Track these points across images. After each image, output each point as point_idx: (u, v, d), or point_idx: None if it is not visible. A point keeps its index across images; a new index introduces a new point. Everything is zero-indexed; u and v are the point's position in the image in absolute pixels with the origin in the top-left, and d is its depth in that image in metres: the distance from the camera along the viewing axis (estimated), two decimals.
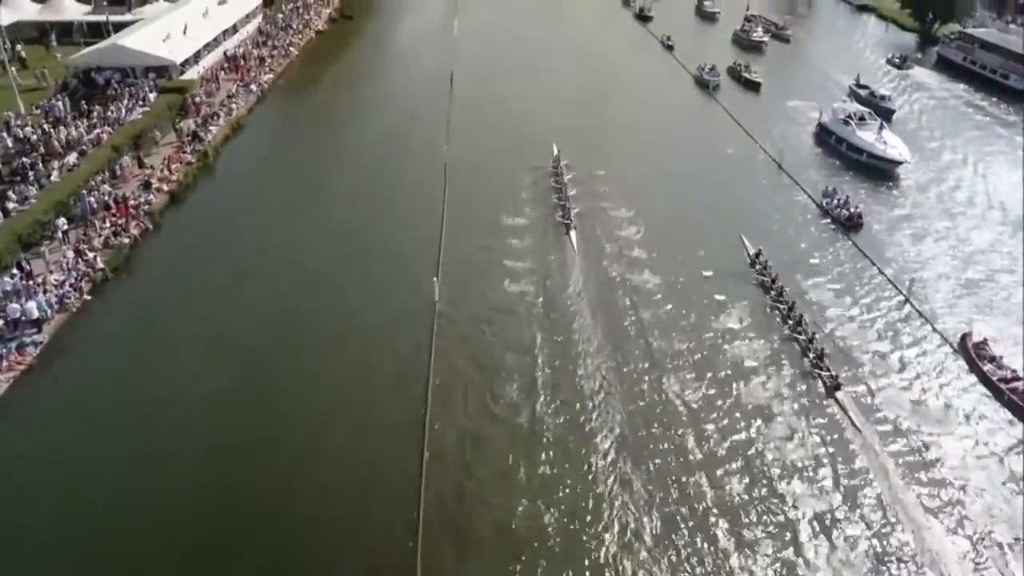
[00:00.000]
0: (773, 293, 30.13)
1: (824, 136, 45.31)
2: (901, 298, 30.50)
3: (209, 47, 54.92)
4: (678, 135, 47.77)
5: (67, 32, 60.85)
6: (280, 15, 69.45)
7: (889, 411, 24.35)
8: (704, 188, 40.04)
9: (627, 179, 40.31)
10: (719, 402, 24.50)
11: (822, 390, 25.15)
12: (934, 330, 28.67)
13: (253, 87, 51.79)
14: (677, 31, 69.24)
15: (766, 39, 65.29)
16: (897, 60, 64.67)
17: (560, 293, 30.02)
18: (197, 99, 47.26)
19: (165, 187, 37.57)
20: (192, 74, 51.24)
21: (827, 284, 31.41)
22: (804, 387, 25.33)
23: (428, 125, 46.43)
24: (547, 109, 50.11)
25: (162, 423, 22.91)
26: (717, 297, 30.05)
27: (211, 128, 44.44)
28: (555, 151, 42.21)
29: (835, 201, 37.23)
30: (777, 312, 29.15)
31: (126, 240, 32.72)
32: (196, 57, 52.56)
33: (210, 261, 32.04)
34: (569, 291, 30.20)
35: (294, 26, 67.19)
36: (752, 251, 32.76)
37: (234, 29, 59.90)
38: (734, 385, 25.25)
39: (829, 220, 36.84)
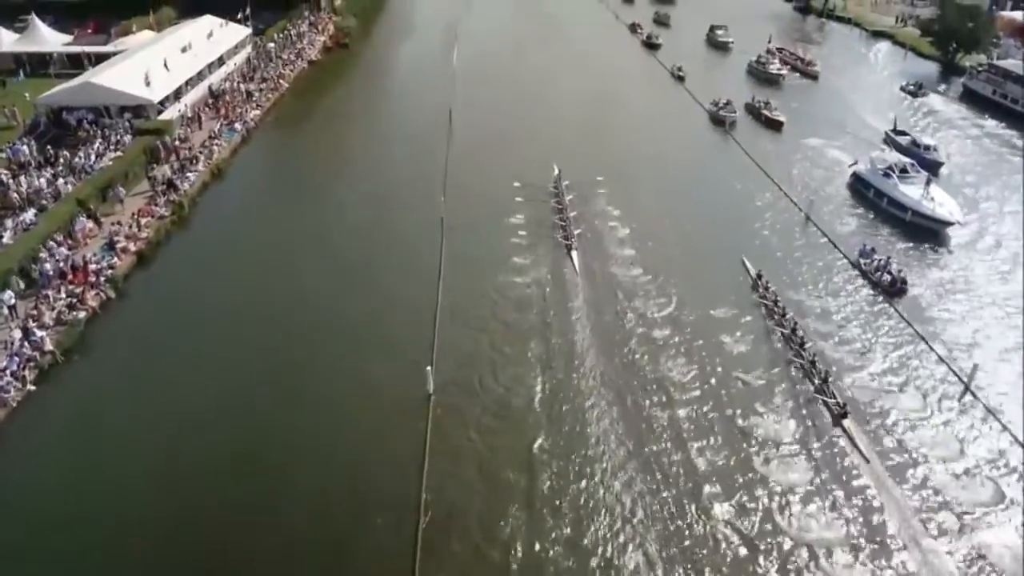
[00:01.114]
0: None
1: (860, 187, 41.13)
2: (960, 386, 26.77)
3: (192, 82, 51.55)
4: (694, 178, 44.00)
5: (44, 64, 57.67)
6: (272, 44, 66.20)
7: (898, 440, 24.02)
8: (724, 239, 36.45)
9: (641, 226, 37.07)
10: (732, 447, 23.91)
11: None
12: (1004, 428, 24.93)
13: (238, 126, 48.30)
14: (688, 61, 65.85)
15: (784, 72, 61.76)
16: (912, 87, 61.81)
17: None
18: (175, 141, 43.74)
19: (133, 246, 33.93)
20: (172, 112, 47.80)
21: (871, 366, 27.70)
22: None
23: (425, 170, 42.81)
24: (551, 146, 46.60)
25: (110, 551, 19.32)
26: (738, 350, 27.92)
27: (189, 175, 40.88)
28: (555, 171, 42.05)
29: (875, 262, 33.53)
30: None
31: (82, 314, 29.02)
32: (177, 94, 49.15)
33: (178, 337, 28.40)
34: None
35: (285, 56, 63.91)
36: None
37: (220, 62, 56.56)
38: (745, 426, 24.70)
39: (867, 282, 33.17)
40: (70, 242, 33.13)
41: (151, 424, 23.84)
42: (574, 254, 34.30)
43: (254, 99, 53.35)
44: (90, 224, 34.62)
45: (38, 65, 57.29)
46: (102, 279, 31.16)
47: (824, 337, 29.17)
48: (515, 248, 34.92)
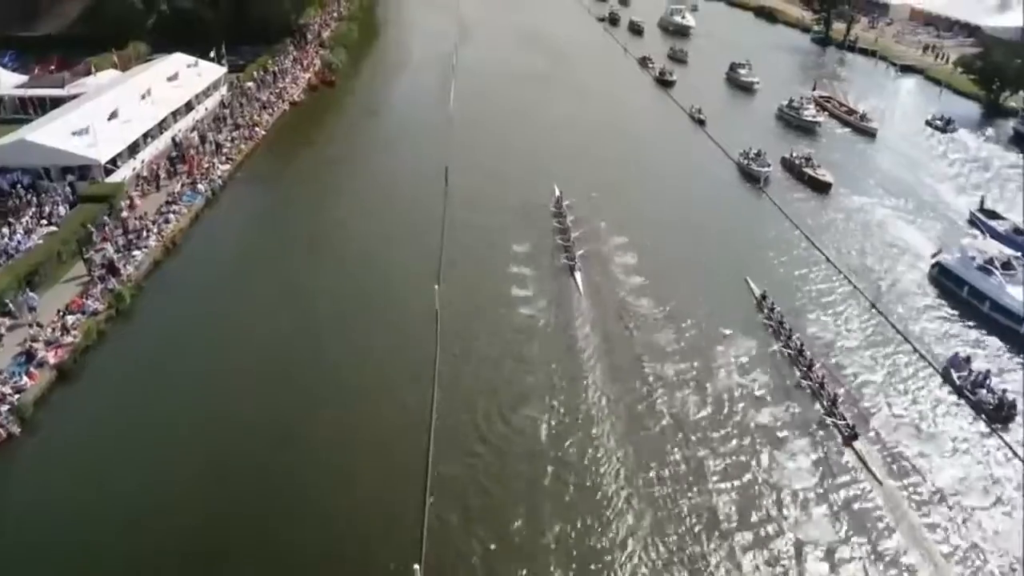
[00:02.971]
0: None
1: (947, 281, 33.89)
2: None
3: (152, 134, 45.23)
4: (728, 250, 37.48)
5: None
6: (250, 83, 60.03)
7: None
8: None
9: (674, 307, 31.36)
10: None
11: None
12: None
13: (201, 186, 41.89)
14: (706, 101, 59.85)
15: (820, 119, 55.30)
16: (939, 122, 57.26)
17: None
18: (123, 211, 37.29)
19: (52, 358, 27.38)
20: (126, 172, 41.41)
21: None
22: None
23: (417, 248, 36.44)
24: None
25: None
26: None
27: (135, 253, 34.43)
28: (556, 192, 40.66)
29: (970, 377, 27.17)
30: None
31: None
32: (133, 149, 42.78)
33: (96, 490, 21.94)
34: None
35: (264, 98, 57.71)
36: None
37: (188, 107, 50.27)
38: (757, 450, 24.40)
39: (960, 400, 26.83)
40: None
41: None
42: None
43: (224, 151, 47.00)
44: None
45: None
46: (4, 409, 24.58)
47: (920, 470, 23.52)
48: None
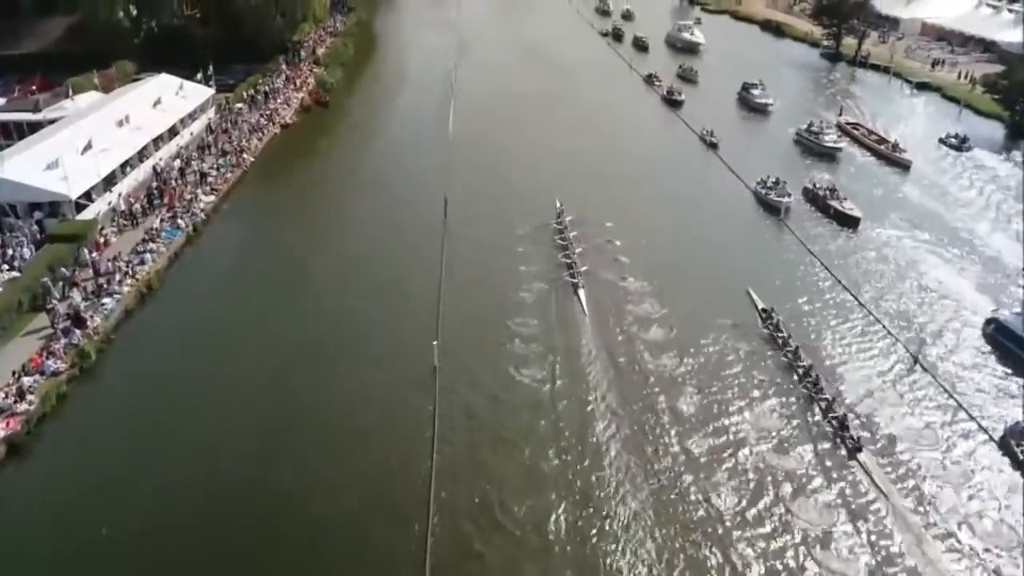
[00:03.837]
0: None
1: (1004, 340, 30.39)
2: None
3: (132, 163, 42.38)
4: (755, 286, 34.45)
5: None
6: (240, 104, 57.28)
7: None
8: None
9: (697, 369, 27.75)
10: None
11: None
12: None
13: (182, 221, 38.99)
14: (718, 122, 56.96)
15: (842, 145, 52.19)
16: (954, 141, 54.85)
17: None
18: (93, 253, 34.35)
19: (3, 429, 24.40)
20: (101, 206, 38.53)
21: None
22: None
23: (414, 295, 33.48)
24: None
25: None
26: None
27: (105, 300, 31.48)
28: (558, 205, 40.49)
29: None
30: None
31: None
32: (109, 181, 39.89)
33: None
34: None
35: (254, 120, 54.90)
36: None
37: (171, 133, 47.43)
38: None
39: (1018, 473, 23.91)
40: None
41: None
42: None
43: (209, 181, 44.11)
44: None
45: None
46: None
47: None
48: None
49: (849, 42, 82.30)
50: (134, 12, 66.00)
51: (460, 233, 38.77)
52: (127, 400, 27.01)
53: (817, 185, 43.78)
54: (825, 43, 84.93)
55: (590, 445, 24.82)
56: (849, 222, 40.48)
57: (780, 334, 30.26)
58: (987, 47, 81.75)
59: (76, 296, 31.07)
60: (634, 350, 29.70)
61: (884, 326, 31.65)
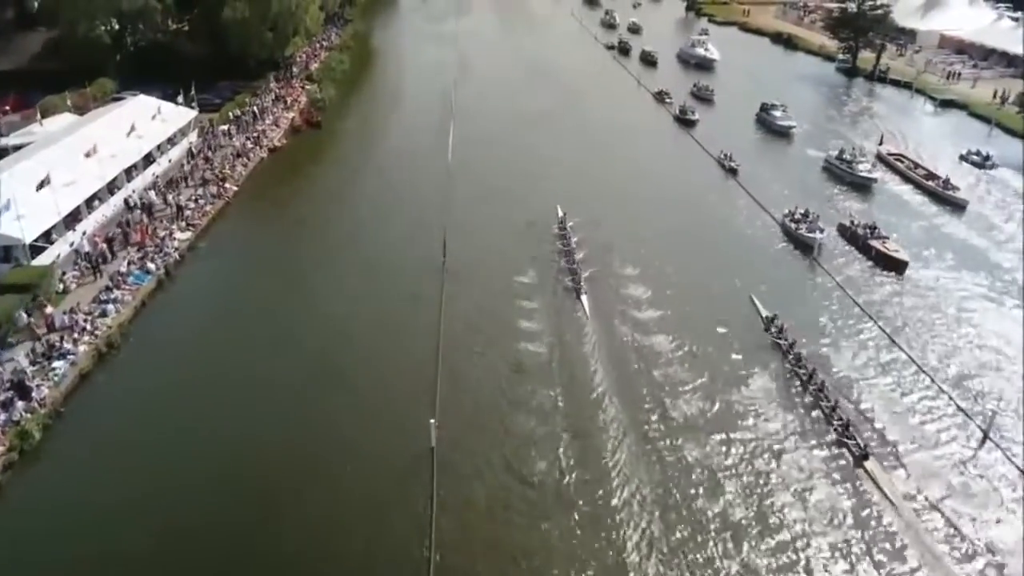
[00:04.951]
0: None
1: None
2: None
3: (100, 196, 38.56)
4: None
5: None
6: (225, 126, 53.55)
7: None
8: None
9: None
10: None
11: None
12: None
13: (153, 264, 35.11)
14: (736, 145, 53.27)
15: (876, 176, 47.74)
16: (976, 158, 52.26)
17: None
18: (47, 307, 30.40)
19: None
20: (61, 247, 34.67)
21: None
22: None
23: (409, 360, 29.50)
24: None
25: None
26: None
27: (57, 364, 27.54)
28: (560, 213, 39.86)
29: None
30: None
31: None
32: (73, 218, 36.05)
33: None
34: None
35: (239, 144, 51.13)
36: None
37: (147, 161, 43.62)
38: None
39: None
40: None
41: None
42: None
43: (186, 215, 40.26)
44: None
45: None
46: None
47: None
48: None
49: (866, 56, 78.62)
50: (116, 26, 62.35)
51: (460, 273, 35.03)
52: (70, 492, 23.02)
53: (855, 222, 39.53)
54: (841, 57, 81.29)
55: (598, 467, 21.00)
56: (894, 265, 36.25)
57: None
58: (1011, 61, 78.22)
59: (21, 360, 27.13)
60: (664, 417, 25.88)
61: (948, 395, 27.62)
